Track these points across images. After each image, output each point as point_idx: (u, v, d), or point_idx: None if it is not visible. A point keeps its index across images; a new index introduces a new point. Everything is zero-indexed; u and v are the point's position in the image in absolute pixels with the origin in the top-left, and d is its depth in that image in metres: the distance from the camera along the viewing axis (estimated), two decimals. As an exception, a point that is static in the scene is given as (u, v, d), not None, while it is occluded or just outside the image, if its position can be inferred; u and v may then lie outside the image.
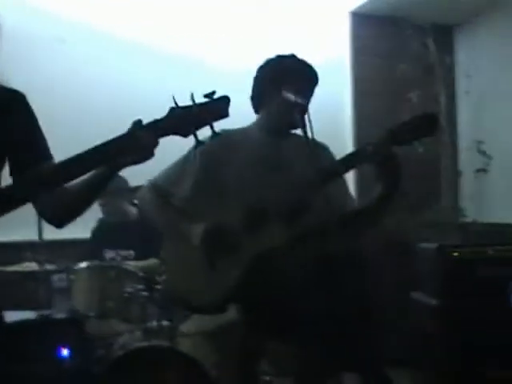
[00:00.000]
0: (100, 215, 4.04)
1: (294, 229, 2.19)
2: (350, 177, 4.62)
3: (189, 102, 1.70)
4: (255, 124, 2.54)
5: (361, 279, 2.12)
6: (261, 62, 2.54)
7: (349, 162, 2.22)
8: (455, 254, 3.71)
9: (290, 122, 1.97)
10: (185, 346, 3.07)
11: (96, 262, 3.55)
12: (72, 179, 1.74)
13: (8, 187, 1.71)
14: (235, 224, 2.23)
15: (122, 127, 1.72)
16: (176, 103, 1.69)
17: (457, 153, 5.28)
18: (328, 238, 1.81)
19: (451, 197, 5.13)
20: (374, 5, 5.03)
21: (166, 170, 2.47)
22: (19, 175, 1.83)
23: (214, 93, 1.70)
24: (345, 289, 1.78)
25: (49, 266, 3.69)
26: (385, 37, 5.21)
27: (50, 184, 1.74)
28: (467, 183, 5.23)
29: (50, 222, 1.95)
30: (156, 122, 1.70)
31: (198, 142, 1.70)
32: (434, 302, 3.67)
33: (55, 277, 3.45)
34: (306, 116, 2.24)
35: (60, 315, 3.24)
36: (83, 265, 3.45)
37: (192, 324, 3.29)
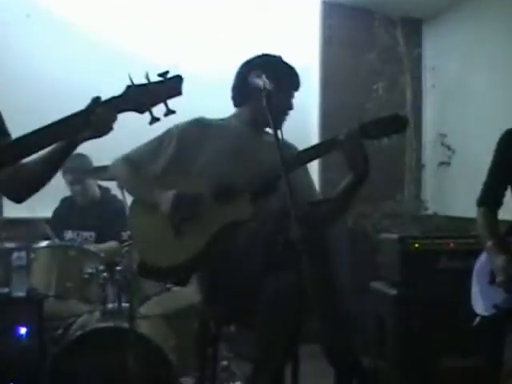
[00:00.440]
0: (62, 195, 4.00)
1: (259, 208, 2.23)
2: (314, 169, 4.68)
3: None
4: (234, 116, 2.60)
5: (325, 266, 2.14)
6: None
7: (319, 149, 2.31)
8: (416, 245, 3.77)
9: (267, 120, 2.00)
10: (144, 327, 3.07)
11: (57, 242, 3.53)
12: (29, 155, 1.77)
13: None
14: (204, 194, 2.27)
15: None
16: (132, 81, 1.80)
17: (421, 145, 5.34)
18: (291, 223, 1.82)
19: (414, 189, 5.18)
20: (346, -6, 5.06)
21: (140, 147, 2.49)
22: None
23: (167, 72, 1.81)
24: (308, 273, 1.79)
25: (8, 244, 3.66)
26: (354, 27, 5.23)
27: (7, 159, 1.73)
28: (430, 176, 5.30)
29: (9, 197, 1.95)
30: (113, 98, 1.80)
31: (153, 119, 1.81)
32: (393, 291, 3.72)
33: (15, 255, 3.41)
34: (284, 119, 2.44)
35: (18, 293, 3.20)
36: (43, 244, 3.43)
37: (151, 306, 3.29)
